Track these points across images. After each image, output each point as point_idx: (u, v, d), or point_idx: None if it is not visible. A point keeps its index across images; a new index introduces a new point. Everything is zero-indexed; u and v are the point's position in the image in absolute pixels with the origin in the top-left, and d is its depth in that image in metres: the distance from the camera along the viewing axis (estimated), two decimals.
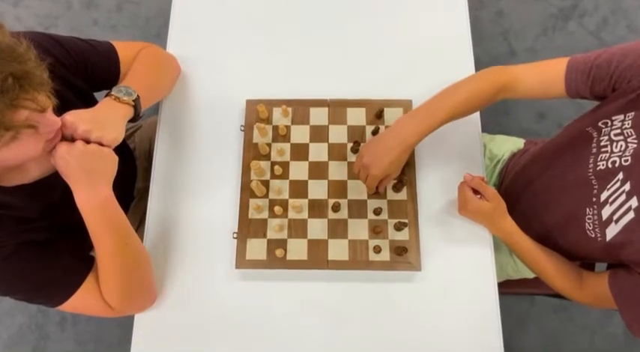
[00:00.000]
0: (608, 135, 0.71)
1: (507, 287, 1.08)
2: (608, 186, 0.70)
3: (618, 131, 0.69)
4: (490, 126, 1.65)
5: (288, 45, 1.04)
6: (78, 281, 0.73)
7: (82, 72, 0.79)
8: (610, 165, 0.69)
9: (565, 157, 0.80)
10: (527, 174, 0.91)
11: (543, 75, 0.77)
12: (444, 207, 0.89)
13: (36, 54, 0.57)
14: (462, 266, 0.86)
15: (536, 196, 0.87)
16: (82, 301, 0.73)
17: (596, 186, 0.72)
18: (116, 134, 0.70)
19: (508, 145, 1.07)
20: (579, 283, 0.80)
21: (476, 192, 0.81)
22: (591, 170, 0.72)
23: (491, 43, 1.81)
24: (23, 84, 0.54)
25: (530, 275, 1.03)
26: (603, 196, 0.70)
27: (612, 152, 0.70)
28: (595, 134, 0.73)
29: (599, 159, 0.72)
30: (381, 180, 0.82)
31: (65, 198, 0.68)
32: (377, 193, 0.87)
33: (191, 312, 0.85)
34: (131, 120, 0.79)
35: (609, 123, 0.71)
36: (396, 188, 0.87)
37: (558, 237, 0.81)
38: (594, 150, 0.73)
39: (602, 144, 0.72)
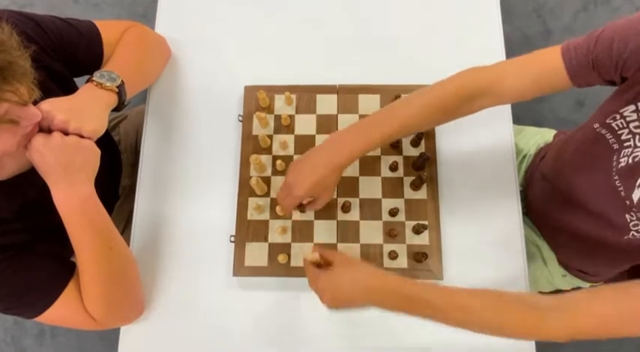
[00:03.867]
0: (628, 128, 0.69)
1: None
2: (638, 184, 0.68)
3: (637, 123, 0.68)
4: (521, 116, 1.63)
5: (292, 24, 1.03)
6: (57, 289, 0.74)
7: (60, 55, 0.79)
8: (631, 161, 0.68)
9: (584, 164, 0.78)
10: (555, 180, 0.89)
11: (534, 69, 0.71)
12: (469, 208, 0.89)
13: (19, 41, 0.58)
14: (490, 275, 0.86)
15: (568, 210, 0.85)
16: (62, 312, 0.74)
17: (620, 188, 0.71)
18: (97, 124, 0.70)
19: (536, 138, 1.06)
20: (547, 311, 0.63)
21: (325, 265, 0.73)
22: (614, 171, 0.71)
23: (523, 20, 1.79)
24: (5, 75, 0.55)
25: (567, 286, 1.02)
26: (636, 196, 0.69)
27: (635, 146, 0.68)
28: (604, 132, 0.71)
29: (621, 156, 0.70)
30: (309, 202, 0.79)
31: (43, 197, 0.68)
32: (301, 210, 0.84)
33: (183, 325, 0.86)
34: (115, 109, 0.79)
35: (618, 117, 0.69)
36: (415, 185, 0.87)
37: (608, 251, 0.80)
38: (616, 146, 0.71)
39: (623, 138, 0.70)
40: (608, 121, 0.70)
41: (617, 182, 0.70)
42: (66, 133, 0.67)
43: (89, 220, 0.71)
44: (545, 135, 1.05)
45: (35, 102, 0.64)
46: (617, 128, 0.69)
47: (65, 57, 0.80)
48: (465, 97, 0.73)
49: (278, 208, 0.86)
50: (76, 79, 0.86)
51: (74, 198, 0.68)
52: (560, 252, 0.96)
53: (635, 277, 0.80)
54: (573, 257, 0.94)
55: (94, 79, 0.75)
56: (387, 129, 0.73)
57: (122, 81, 0.77)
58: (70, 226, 0.70)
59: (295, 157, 0.91)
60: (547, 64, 0.70)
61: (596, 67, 0.67)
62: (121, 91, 0.77)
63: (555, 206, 0.89)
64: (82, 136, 0.68)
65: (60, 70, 0.80)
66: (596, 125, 0.72)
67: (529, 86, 0.72)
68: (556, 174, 0.88)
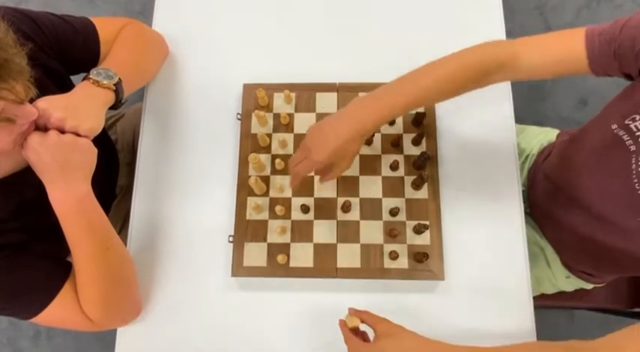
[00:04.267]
0: None
1: (543, 300, 1.07)
2: None
3: None
4: (523, 115, 1.63)
5: (291, 22, 1.03)
6: (54, 290, 0.73)
7: (56, 52, 0.79)
8: None
9: (597, 166, 0.77)
10: (560, 178, 0.89)
11: (557, 49, 0.70)
12: (471, 208, 0.89)
13: (15, 38, 0.57)
14: (492, 275, 0.86)
15: (571, 210, 0.85)
16: (58, 313, 0.74)
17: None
18: (94, 123, 0.70)
19: (539, 138, 1.06)
20: None
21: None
22: (635, 174, 0.70)
23: (525, 18, 1.79)
24: (2, 73, 0.55)
25: (570, 288, 1.02)
26: None
27: None
28: (622, 133, 0.70)
29: None
30: (324, 172, 0.77)
31: (40, 196, 0.68)
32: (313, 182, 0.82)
33: (181, 326, 0.86)
34: (112, 107, 0.79)
35: (638, 118, 0.68)
36: (416, 185, 0.87)
37: (615, 255, 0.79)
38: (633, 148, 0.70)
39: None
40: (627, 122, 0.68)
41: (637, 185, 0.69)
42: (62, 131, 0.67)
43: (86, 219, 0.70)
44: (548, 135, 1.05)
45: (32, 101, 0.64)
46: (635, 129, 0.68)
47: (61, 54, 0.80)
48: (487, 68, 0.72)
49: (278, 208, 0.86)
50: (72, 77, 0.86)
51: (70, 197, 0.68)
52: (564, 253, 0.96)
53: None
54: (577, 258, 0.94)
55: (90, 76, 0.75)
56: (409, 97, 0.72)
57: (119, 79, 0.77)
58: (66, 226, 0.70)
59: None
60: (569, 46, 0.69)
61: (617, 56, 0.65)
62: (118, 89, 0.77)
63: (558, 206, 0.89)
64: (78, 135, 0.68)
65: (56, 68, 0.79)
66: (614, 126, 0.70)
67: (549, 66, 0.71)
68: (560, 174, 0.88)
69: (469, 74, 0.72)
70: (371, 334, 0.73)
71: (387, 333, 0.68)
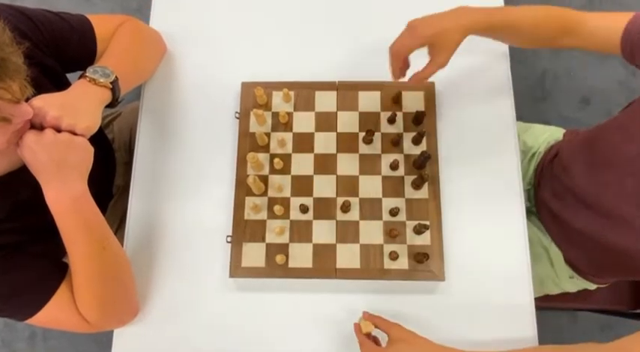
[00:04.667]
0: None
1: (546, 302, 1.07)
2: None
3: None
4: (525, 113, 1.63)
5: (290, 18, 1.03)
6: (50, 291, 0.73)
7: (53, 50, 0.79)
8: None
9: (615, 165, 0.78)
10: (570, 178, 0.89)
11: (606, 23, 0.76)
12: (472, 208, 0.89)
13: (11, 37, 0.57)
14: (493, 276, 0.86)
15: (581, 211, 0.85)
16: (55, 314, 0.74)
17: None
18: (91, 121, 0.70)
19: (545, 136, 1.06)
20: None
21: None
22: None
23: None
24: None
25: (573, 289, 1.02)
26: None
27: None
28: None
29: None
30: (425, 69, 0.79)
31: (35, 196, 0.68)
32: (404, 77, 0.82)
33: (178, 328, 0.86)
34: (108, 106, 0.79)
35: None
36: (416, 185, 0.87)
37: (626, 258, 0.79)
38: None
39: None
40: None
41: None
42: (58, 130, 0.67)
43: (82, 219, 0.70)
44: (554, 134, 1.05)
45: (27, 99, 0.64)
46: None
47: (57, 52, 0.80)
48: (562, 26, 0.79)
49: (276, 208, 0.86)
50: (69, 76, 0.86)
51: (67, 197, 0.68)
52: (569, 253, 0.95)
53: None
54: (582, 259, 0.94)
55: (87, 74, 0.75)
56: (517, 16, 0.77)
57: (116, 77, 0.77)
58: (62, 225, 0.70)
59: (294, 156, 0.91)
60: (615, 21, 0.75)
61: None
62: (114, 87, 0.77)
63: (566, 206, 0.89)
64: (75, 133, 0.68)
65: (52, 66, 0.79)
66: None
67: (597, 34, 0.77)
68: (571, 173, 0.88)
69: (553, 25, 0.79)
70: (383, 339, 0.75)
71: (400, 338, 0.72)
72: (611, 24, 0.76)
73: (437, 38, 0.76)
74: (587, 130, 0.91)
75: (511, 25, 0.78)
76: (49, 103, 0.66)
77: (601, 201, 0.80)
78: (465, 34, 0.77)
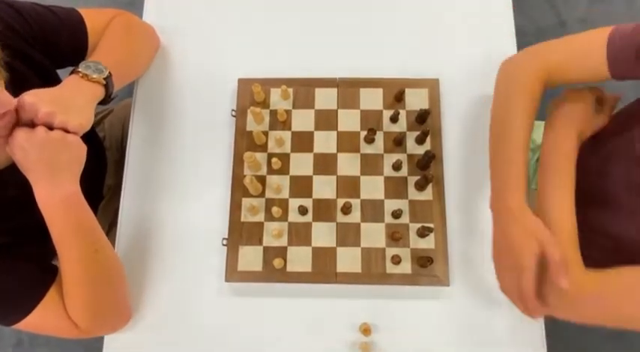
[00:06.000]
0: None
1: None
2: None
3: None
4: None
5: (289, 13, 1.04)
6: (38, 294, 0.74)
7: (42, 44, 0.79)
8: None
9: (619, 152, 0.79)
10: (578, 178, 0.89)
11: (579, 55, 0.75)
12: (478, 210, 0.89)
13: None
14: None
15: (594, 209, 0.85)
16: (43, 318, 0.74)
17: None
18: (84, 118, 0.71)
19: None
20: None
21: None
22: None
23: (536, 11, 1.80)
24: None
25: None
26: None
27: None
28: None
29: None
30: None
31: (23, 196, 0.68)
32: None
33: (172, 334, 0.86)
34: (101, 103, 0.79)
35: None
36: (420, 186, 0.87)
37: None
38: None
39: None
40: None
41: None
42: (50, 128, 0.67)
43: (74, 220, 0.71)
44: None
45: (16, 95, 0.64)
46: None
47: (47, 46, 0.80)
48: (542, 88, 0.79)
49: (274, 209, 0.86)
50: (59, 72, 0.86)
51: (57, 197, 0.68)
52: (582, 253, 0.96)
53: None
54: (589, 261, 0.94)
55: (79, 70, 0.75)
56: (520, 147, 0.76)
57: (109, 73, 0.77)
58: (52, 226, 0.70)
59: (292, 155, 0.91)
60: (588, 48, 0.74)
61: None
62: (108, 84, 0.77)
63: (579, 205, 0.89)
64: (67, 131, 0.68)
65: (40, 60, 0.80)
66: None
67: (573, 73, 0.77)
68: (586, 170, 0.88)
69: (537, 102, 0.79)
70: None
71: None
72: (584, 54, 0.75)
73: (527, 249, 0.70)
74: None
75: (526, 147, 0.78)
76: (40, 99, 0.66)
77: (620, 198, 0.81)
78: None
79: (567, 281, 0.65)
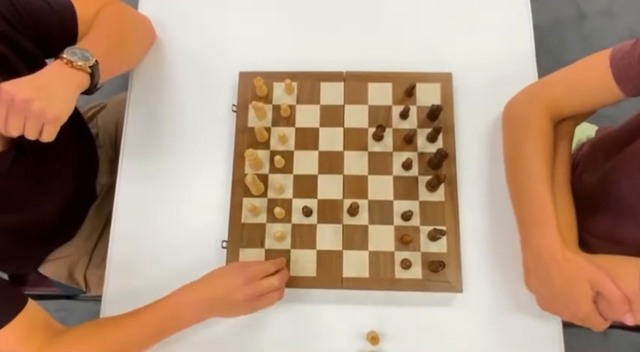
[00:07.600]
0: None
1: None
2: None
3: None
4: None
5: (293, 3, 1.04)
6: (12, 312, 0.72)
7: (30, 31, 0.80)
8: None
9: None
10: (596, 180, 0.89)
11: (581, 86, 0.78)
12: (492, 212, 0.89)
13: None
14: (515, 288, 0.85)
15: (611, 213, 0.85)
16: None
17: None
18: (63, 107, 0.70)
19: (577, 133, 1.06)
20: None
21: None
22: None
23: (554, 2, 1.79)
24: None
25: None
26: None
27: None
28: None
29: None
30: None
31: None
32: None
33: (170, 340, 0.86)
34: (85, 93, 0.79)
35: None
36: (431, 186, 0.87)
37: None
38: None
39: None
40: None
41: None
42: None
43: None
44: (586, 130, 1.05)
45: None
46: None
47: (36, 34, 0.81)
48: (552, 126, 0.81)
49: (277, 210, 0.86)
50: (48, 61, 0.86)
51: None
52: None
53: None
54: None
55: (64, 55, 0.75)
56: (547, 195, 0.77)
57: (96, 61, 0.77)
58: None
59: (296, 153, 0.91)
60: (592, 76, 0.76)
61: None
62: (94, 72, 0.77)
63: (595, 208, 0.88)
64: (45, 120, 0.68)
65: (29, 48, 0.80)
66: None
67: (577, 104, 0.80)
68: (605, 173, 0.88)
69: (546, 135, 0.80)
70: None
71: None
72: (589, 85, 0.77)
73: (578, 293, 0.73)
74: (620, 126, 0.92)
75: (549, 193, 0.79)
76: (18, 85, 0.66)
77: (619, 200, 0.81)
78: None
79: (632, 318, 0.68)
